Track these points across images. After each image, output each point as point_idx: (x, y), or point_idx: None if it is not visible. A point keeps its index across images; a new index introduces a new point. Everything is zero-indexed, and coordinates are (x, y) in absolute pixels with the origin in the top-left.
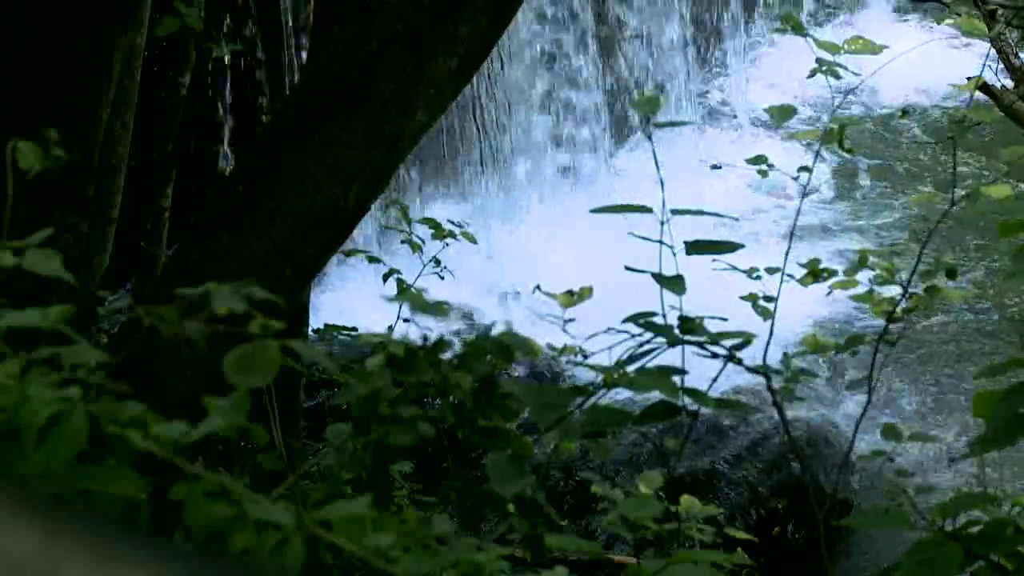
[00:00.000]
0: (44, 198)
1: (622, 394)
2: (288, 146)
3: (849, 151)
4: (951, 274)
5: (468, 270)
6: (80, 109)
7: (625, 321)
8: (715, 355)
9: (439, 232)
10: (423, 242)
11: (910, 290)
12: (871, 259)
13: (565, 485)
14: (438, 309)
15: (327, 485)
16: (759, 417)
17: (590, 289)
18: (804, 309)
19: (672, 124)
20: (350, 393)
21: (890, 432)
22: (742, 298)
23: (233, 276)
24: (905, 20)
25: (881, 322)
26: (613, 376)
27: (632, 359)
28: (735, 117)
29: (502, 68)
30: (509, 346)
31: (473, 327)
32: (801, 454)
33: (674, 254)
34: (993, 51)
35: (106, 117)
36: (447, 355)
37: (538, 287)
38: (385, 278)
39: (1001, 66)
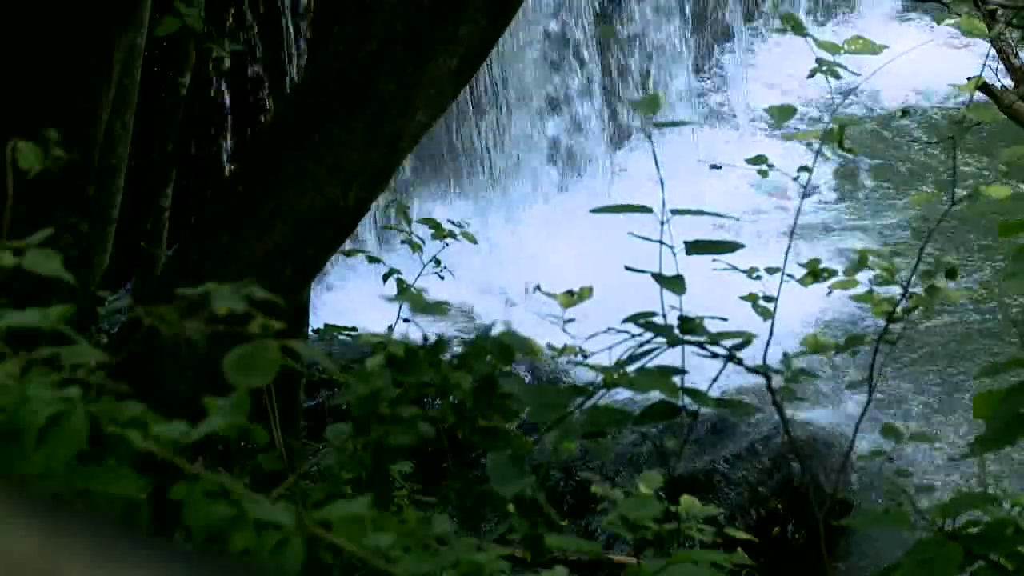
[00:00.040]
0: (44, 198)
1: (622, 394)
2: (288, 146)
3: (849, 151)
4: (951, 274)
5: (468, 270)
6: (80, 109)
7: (625, 321)
8: (715, 355)
9: (439, 232)
10: (423, 242)
11: (910, 290)
12: (871, 259)
13: (565, 485)
14: (438, 309)
15: (327, 485)
16: (759, 417)
17: (590, 289)
18: (804, 309)
19: (672, 124)
20: (350, 393)
21: (890, 432)
22: (742, 298)
23: (233, 276)
24: (908, 20)
25: (882, 322)
26: (613, 376)
27: (632, 359)
28: (735, 117)
29: (502, 68)
30: (509, 346)
31: (473, 327)
32: (801, 454)
33: (674, 254)
34: (993, 51)
35: (106, 117)
36: (447, 355)
37: (538, 287)
38: (385, 278)
39: (1001, 66)
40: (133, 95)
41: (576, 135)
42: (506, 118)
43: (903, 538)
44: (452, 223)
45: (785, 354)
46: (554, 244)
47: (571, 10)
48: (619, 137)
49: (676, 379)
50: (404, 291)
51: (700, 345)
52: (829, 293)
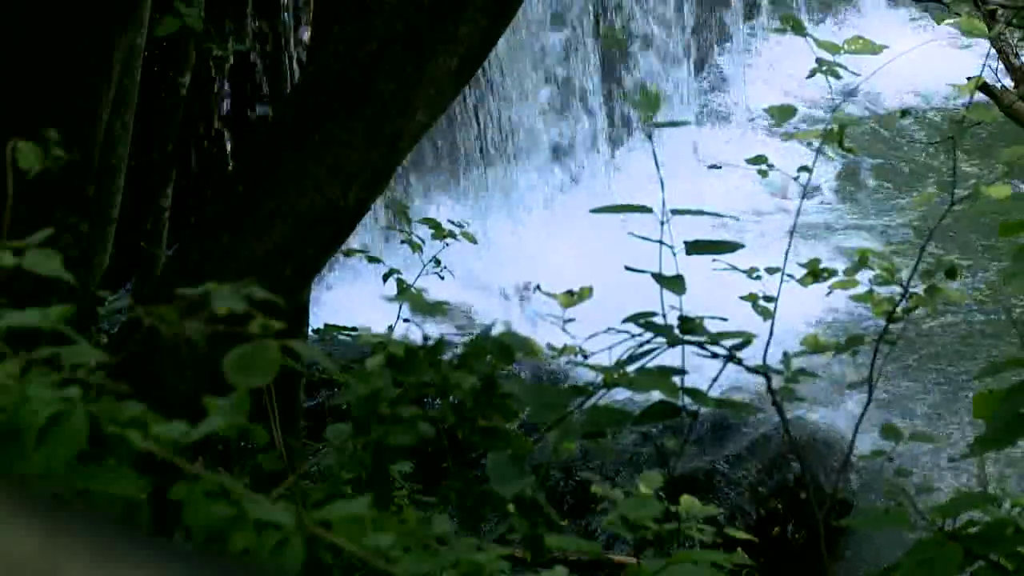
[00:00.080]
0: (44, 198)
1: (622, 394)
2: (288, 146)
3: (849, 151)
4: (951, 274)
5: (468, 270)
6: (80, 109)
7: (625, 321)
8: (715, 355)
9: (439, 232)
10: (423, 242)
11: (911, 290)
12: (871, 259)
13: (565, 485)
14: (438, 309)
15: (327, 485)
16: (759, 417)
17: (590, 289)
18: (804, 309)
19: (672, 124)
20: (350, 393)
21: (890, 432)
22: (742, 298)
23: (233, 276)
24: (908, 19)
25: (882, 322)
26: (613, 376)
27: (632, 359)
28: (735, 117)
29: (502, 68)
30: (509, 346)
31: (473, 327)
32: (801, 454)
33: (674, 254)
34: (993, 51)
35: (106, 117)
36: (447, 355)
37: (538, 287)
38: (385, 278)
39: (1001, 66)
40: (133, 95)
41: (576, 135)
42: (506, 118)
43: (903, 538)
44: (452, 223)
45: (785, 354)
46: (554, 244)
47: (572, 10)
48: (619, 137)
49: (676, 379)
50: (404, 291)
51: (700, 345)
52: (829, 293)
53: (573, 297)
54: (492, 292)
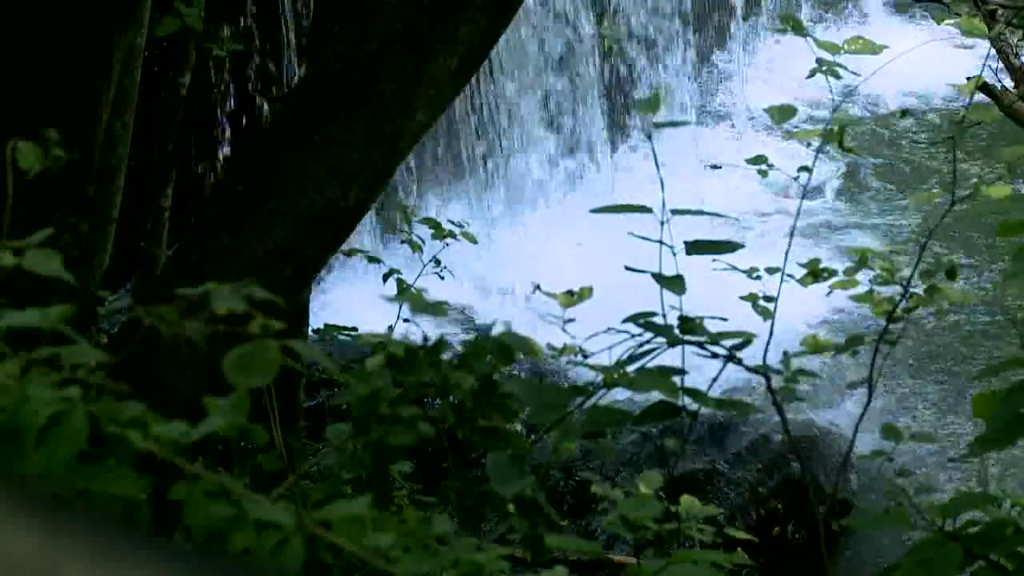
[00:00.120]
0: (44, 198)
1: (622, 394)
2: (288, 146)
3: (850, 151)
4: (951, 274)
5: (468, 270)
6: (80, 109)
7: (625, 321)
8: (715, 355)
9: (439, 232)
10: (423, 242)
11: (911, 290)
12: (872, 259)
13: (565, 485)
14: (438, 309)
15: (327, 485)
16: (759, 417)
17: (590, 289)
18: (804, 309)
19: (672, 124)
20: (350, 393)
21: (890, 432)
22: (742, 298)
23: (233, 276)
24: (908, 20)
25: (882, 322)
26: (613, 376)
27: (632, 359)
28: (735, 117)
29: (502, 67)
30: (509, 346)
31: (473, 327)
32: (801, 454)
33: (674, 254)
34: (993, 51)
35: (106, 117)
36: (447, 355)
37: (538, 287)
38: (385, 278)
39: (1001, 66)
40: (133, 95)
41: (576, 135)
42: (506, 118)
43: (903, 538)
44: (452, 223)
45: (785, 354)
46: (554, 244)
47: (572, 9)
48: (619, 137)
49: (676, 379)
50: (404, 291)
51: (700, 345)
52: (829, 293)
53: (573, 297)
54: (492, 292)
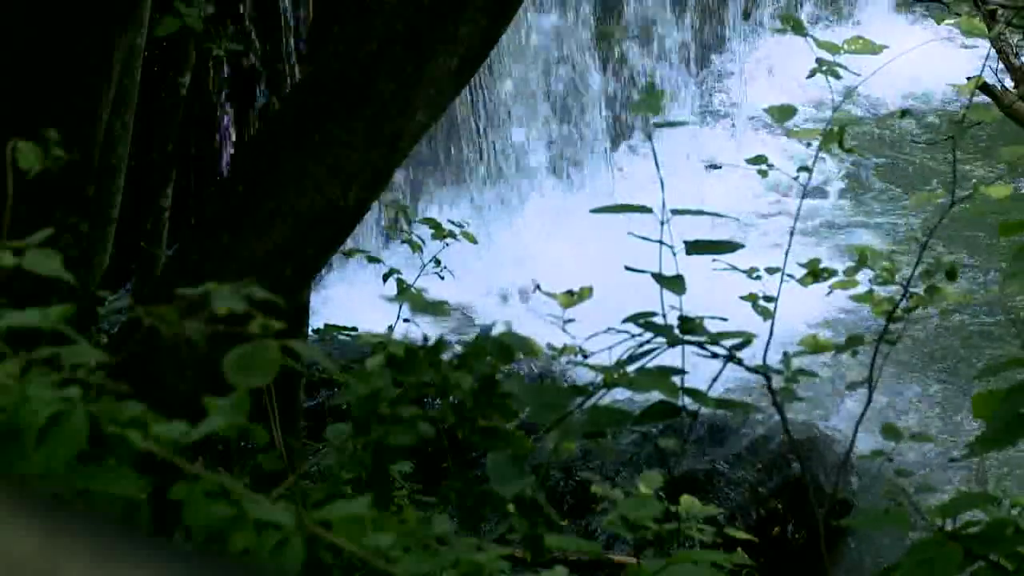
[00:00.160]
0: (44, 198)
1: (622, 394)
2: (288, 146)
3: (850, 151)
4: (951, 274)
5: (468, 270)
6: (80, 109)
7: (625, 321)
8: (715, 355)
9: (439, 232)
10: (423, 242)
11: (911, 290)
12: (871, 259)
13: (565, 485)
14: (438, 309)
15: (327, 485)
16: (759, 417)
17: (590, 289)
18: (804, 309)
19: (672, 124)
20: (350, 393)
21: (890, 432)
22: (742, 298)
23: (233, 276)
24: (908, 20)
25: (882, 322)
26: (613, 376)
27: (632, 359)
28: (735, 117)
29: (502, 67)
30: (509, 346)
31: (473, 327)
32: (801, 454)
33: (674, 254)
34: (993, 51)
35: (106, 117)
36: (447, 355)
37: (538, 287)
38: (385, 278)
39: (1001, 66)
40: (133, 95)
41: (576, 135)
42: (506, 117)
43: (903, 538)
44: (452, 223)
45: (785, 354)
46: (554, 244)
47: (573, 8)
48: (619, 137)
49: (676, 379)
50: (404, 291)
51: (700, 345)
52: (829, 293)
53: (573, 297)
54: (492, 292)
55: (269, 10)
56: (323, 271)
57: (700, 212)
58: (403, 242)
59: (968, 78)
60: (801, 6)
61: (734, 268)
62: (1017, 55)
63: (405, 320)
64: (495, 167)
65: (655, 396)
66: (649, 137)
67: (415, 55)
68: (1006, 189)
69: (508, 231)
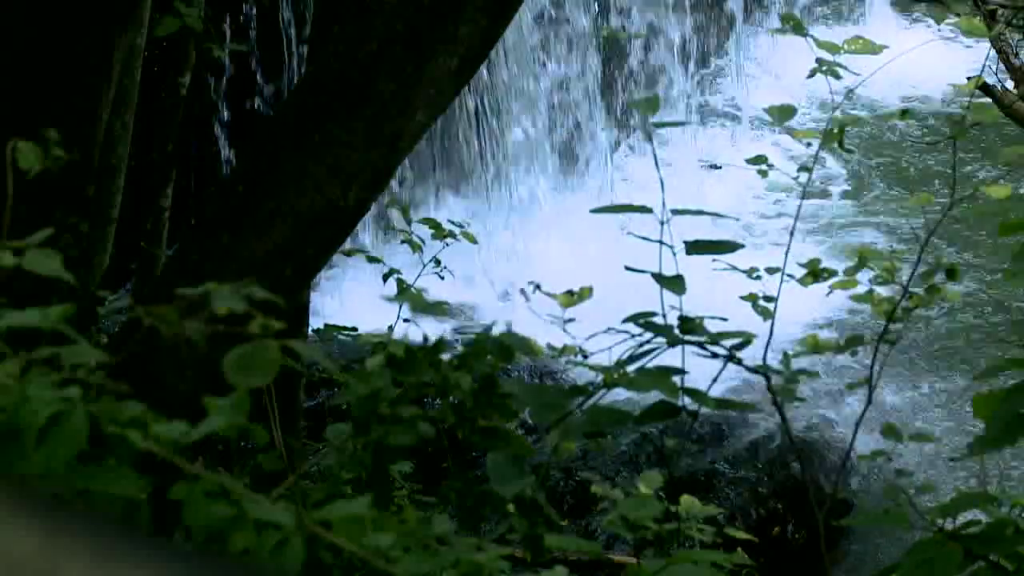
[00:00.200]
0: (44, 198)
1: (622, 394)
2: (288, 146)
3: (849, 151)
4: (951, 274)
5: (468, 270)
6: (80, 109)
7: (625, 321)
8: (715, 355)
9: (439, 232)
10: (423, 242)
11: (911, 290)
12: (876, 259)
13: (565, 485)
14: (438, 309)
15: (327, 485)
16: (759, 417)
17: (590, 289)
18: (805, 309)
19: (672, 124)
20: (350, 393)
21: (890, 432)
22: (742, 298)
23: (233, 276)
24: (909, 19)
25: (882, 322)
26: (613, 376)
27: (632, 359)
28: (735, 117)
29: (503, 67)
30: (509, 346)
31: (473, 327)
32: (801, 454)
33: (674, 254)
34: (993, 51)
35: (106, 117)
36: (447, 355)
37: (538, 287)
38: (385, 278)
39: (1001, 66)
40: (133, 95)
41: (576, 135)
42: (506, 118)
43: (903, 538)
44: (452, 223)
45: (785, 354)
46: (554, 244)
47: (572, 10)
48: (619, 137)
49: (676, 379)
50: (404, 291)
51: (700, 345)
52: (829, 293)
53: (573, 297)
54: (492, 292)
55: (269, 10)
56: (323, 271)
57: (700, 212)
58: (403, 242)
59: (968, 78)
60: (802, 5)
61: (734, 268)
62: (1017, 55)
63: (405, 320)
64: (495, 167)
65: (655, 396)
66: (649, 137)
67: (415, 55)
68: (1006, 189)
69: (508, 231)
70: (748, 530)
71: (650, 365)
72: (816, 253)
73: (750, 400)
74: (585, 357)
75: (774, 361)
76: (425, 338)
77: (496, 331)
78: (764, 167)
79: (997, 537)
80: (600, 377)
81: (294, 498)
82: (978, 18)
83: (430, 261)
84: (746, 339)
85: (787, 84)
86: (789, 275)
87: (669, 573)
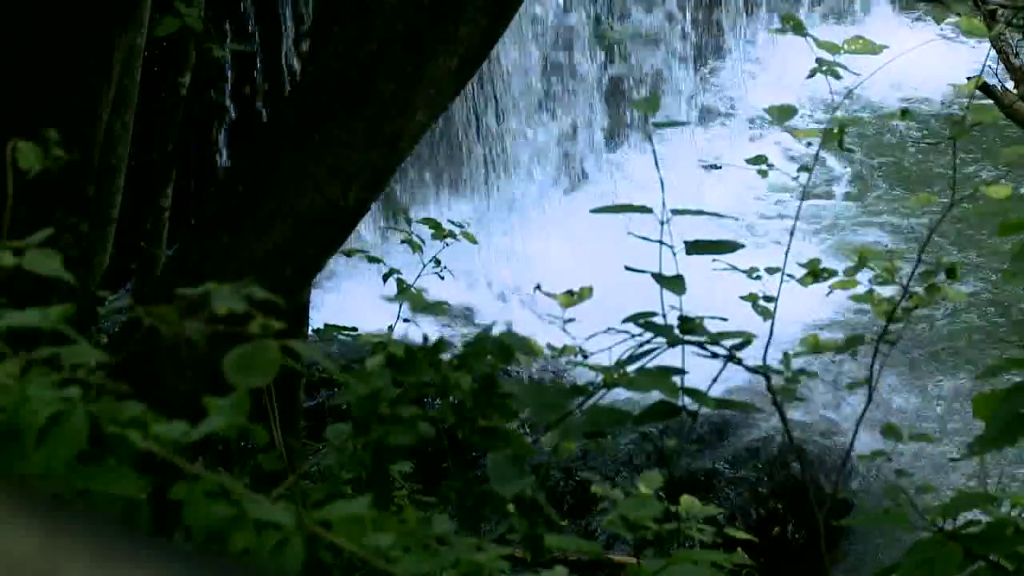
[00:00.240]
0: (44, 198)
1: (622, 394)
2: (288, 146)
3: (849, 151)
4: (951, 274)
5: (468, 270)
6: (80, 109)
7: (625, 321)
8: (715, 355)
9: (439, 232)
10: (423, 242)
11: (912, 290)
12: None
13: (565, 485)
14: (438, 309)
15: (327, 485)
16: (759, 417)
17: (590, 289)
18: (805, 309)
19: (671, 124)
20: (350, 393)
21: (890, 432)
22: (742, 298)
23: (233, 276)
24: (909, 19)
25: (882, 322)
26: (613, 376)
27: (632, 359)
28: (735, 117)
29: (503, 67)
30: (509, 346)
31: (473, 327)
32: (801, 454)
33: (674, 254)
34: (993, 51)
35: (106, 117)
36: (447, 355)
37: (538, 287)
38: (385, 278)
39: (1001, 66)
40: (133, 95)
41: (576, 135)
42: (506, 118)
43: (903, 538)
44: (452, 223)
45: (785, 354)
46: (554, 244)
47: (572, 10)
48: (619, 137)
49: (676, 379)
50: (404, 291)
51: (700, 345)
52: (829, 293)
53: (573, 297)
54: (492, 292)
55: (269, 10)
56: (323, 271)
57: (700, 212)
58: (403, 242)
59: (968, 78)
60: (802, 6)
61: (734, 268)
62: (1017, 55)
63: (405, 320)
64: (495, 167)
65: (655, 396)
66: (649, 137)
67: (415, 55)
68: (1006, 189)
69: (508, 231)
70: (748, 530)
71: (650, 365)
72: (817, 253)
73: (750, 400)
74: (585, 357)
75: (774, 361)
76: (425, 338)
77: (496, 331)
78: (764, 167)
79: (997, 537)
80: (600, 377)
81: (294, 498)
82: (978, 18)
83: (430, 261)
84: (746, 339)
85: (787, 84)
86: (789, 275)
87: (669, 573)
